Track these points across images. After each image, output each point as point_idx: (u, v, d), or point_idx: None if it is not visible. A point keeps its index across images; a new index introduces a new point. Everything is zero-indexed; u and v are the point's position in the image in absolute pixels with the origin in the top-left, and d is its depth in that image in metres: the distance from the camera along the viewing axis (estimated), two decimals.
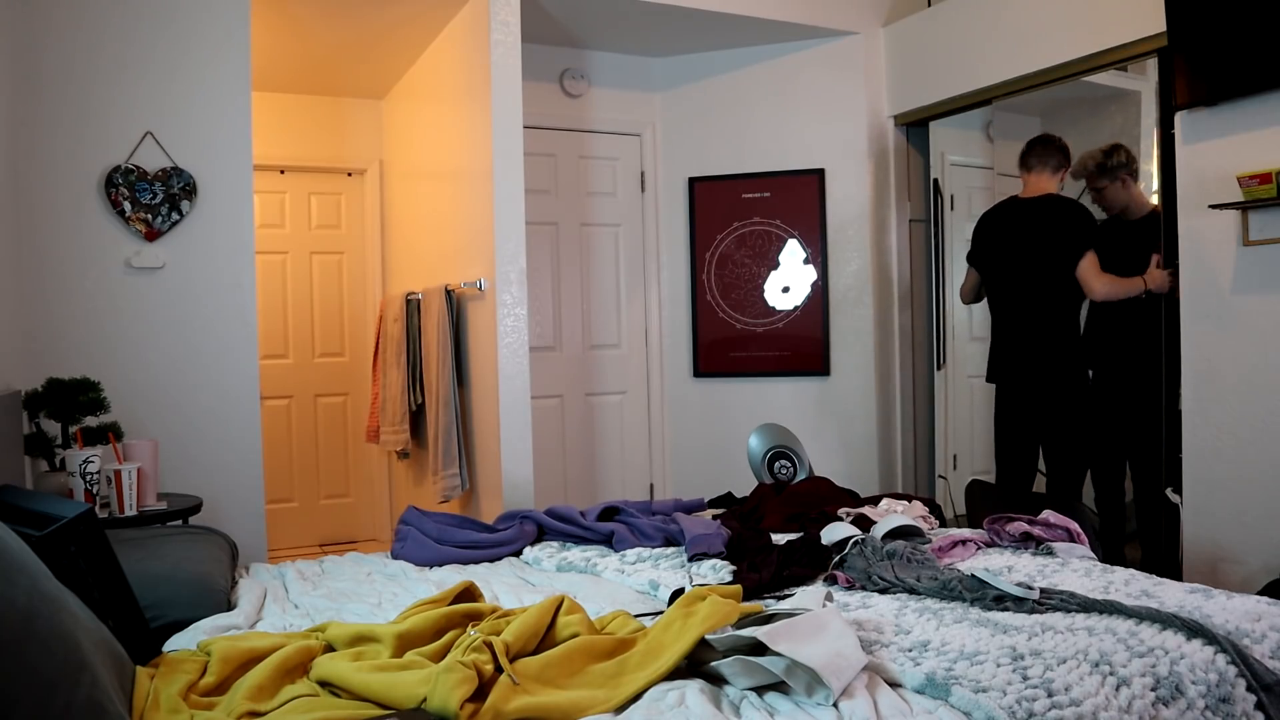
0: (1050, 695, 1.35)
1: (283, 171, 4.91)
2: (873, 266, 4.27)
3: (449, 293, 3.80)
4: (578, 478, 4.41)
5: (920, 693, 1.39)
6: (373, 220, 5.03)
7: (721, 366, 4.49)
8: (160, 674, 1.48)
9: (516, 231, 3.52)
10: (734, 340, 4.47)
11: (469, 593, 1.80)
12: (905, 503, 2.65)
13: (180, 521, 2.74)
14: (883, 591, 1.93)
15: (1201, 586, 1.87)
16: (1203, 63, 2.87)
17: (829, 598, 1.72)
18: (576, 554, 2.38)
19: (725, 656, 1.45)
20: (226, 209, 3.16)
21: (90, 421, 2.74)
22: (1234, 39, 2.80)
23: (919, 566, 1.98)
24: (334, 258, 5.06)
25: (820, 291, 4.33)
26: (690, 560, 2.19)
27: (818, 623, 1.48)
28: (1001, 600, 1.77)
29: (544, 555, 2.41)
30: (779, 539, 2.36)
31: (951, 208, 4.34)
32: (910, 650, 1.53)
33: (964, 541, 2.25)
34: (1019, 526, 2.29)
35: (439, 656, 1.50)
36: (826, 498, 2.76)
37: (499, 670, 1.41)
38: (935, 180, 4.32)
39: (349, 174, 5.05)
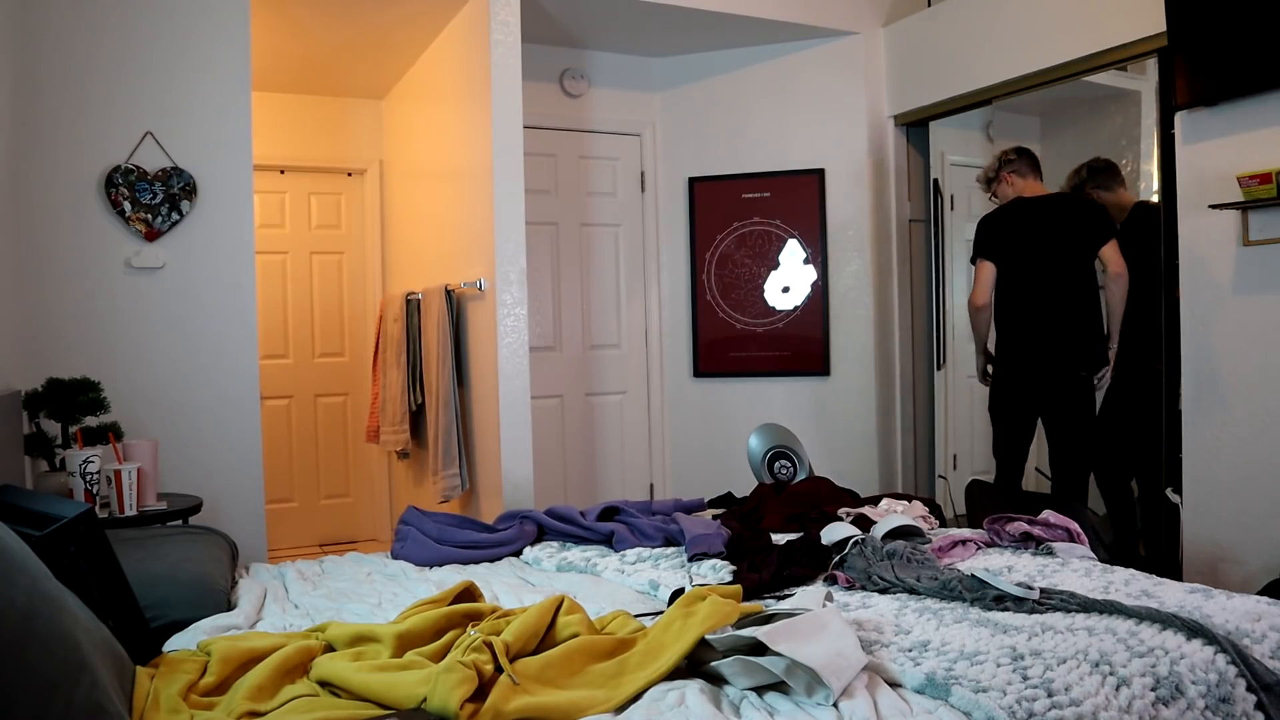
0: (1050, 695, 1.35)
1: (283, 171, 4.91)
2: (873, 266, 4.27)
3: (449, 293, 3.80)
4: (578, 478, 4.41)
5: (920, 693, 1.39)
6: (373, 220, 5.03)
7: (721, 366, 4.49)
8: (160, 674, 1.48)
9: (516, 231, 3.52)
10: (734, 340, 4.47)
11: (469, 593, 1.80)
12: (905, 503, 2.65)
13: (180, 521, 2.74)
14: (883, 591, 1.93)
15: (1201, 586, 1.87)
16: (1203, 63, 2.87)
17: (829, 598, 1.72)
18: (576, 554, 2.38)
19: (725, 656, 1.45)
20: (226, 209, 3.16)
21: (90, 421, 2.74)
22: (1234, 39, 2.80)
23: (919, 566, 1.98)
24: (334, 258, 5.06)
25: (820, 291, 4.33)
26: (690, 560, 2.19)
27: (818, 623, 1.48)
28: (1001, 600, 1.77)
29: (544, 555, 2.41)
30: (779, 539, 2.36)
31: (951, 208, 4.34)
32: (910, 650, 1.53)
33: (964, 541, 2.25)
34: (1019, 526, 2.29)
35: (439, 656, 1.50)
36: (826, 498, 2.76)
37: (499, 670, 1.41)
38: (935, 180, 4.32)
39: (349, 174, 5.05)
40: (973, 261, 3.57)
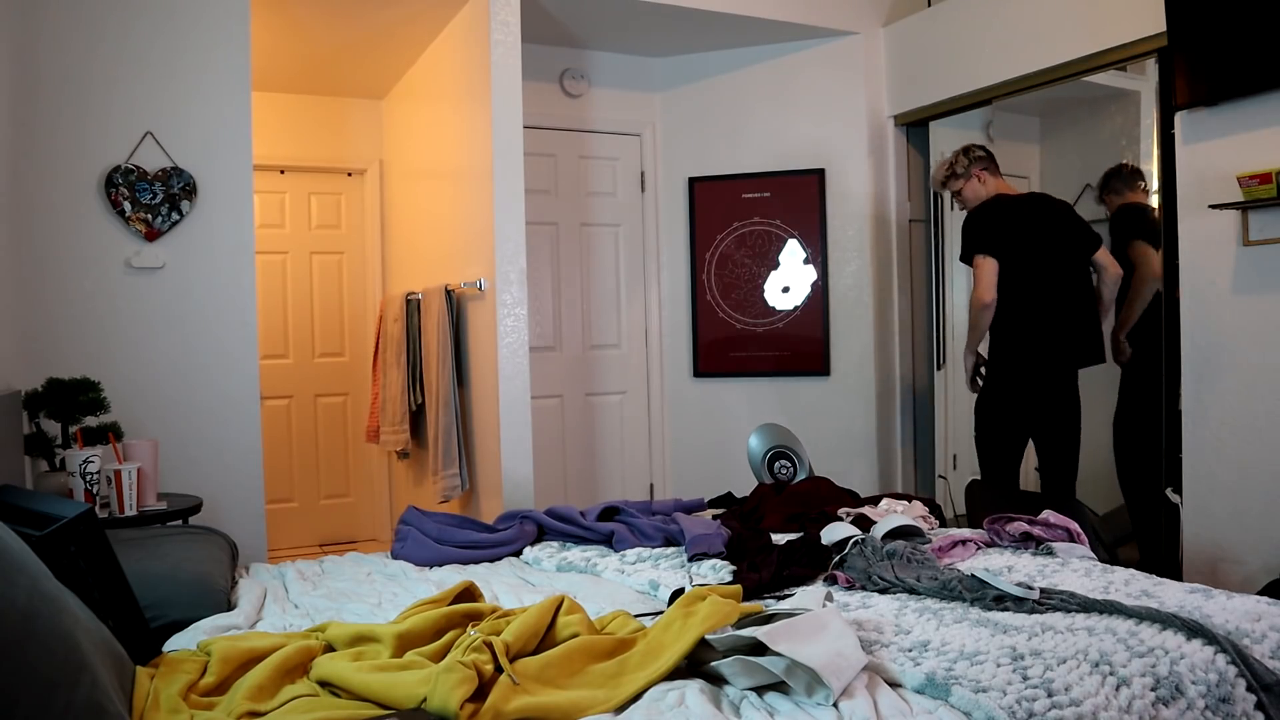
0: (1050, 695, 1.35)
1: (283, 171, 4.91)
2: (873, 266, 4.27)
3: (449, 293, 3.80)
4: (578, 478, 4.41)
5: (920, 693, 1.39)
6: (373, 220, 5.03)
7: (721, 366, 4.49)
8: (160, 674, 1.48)
9: (516, 231, 3.52)
10: (734, 340, 4.46)
11: (469, 593, 1.80)
12: (905, 503, 2.65)
13: (180, 521, 2.74)
14: (883, 591, 1.93)
15: (1201, 586, 1.87)
16: (1203, 63, 2.87)
17: (829, 598, 1.72)
18: (576, 554, 2.38)
19: (725, 656, 1.45)
20: (226, 209, 3.16)
21: (90, 421, 2.74)
22: (1234, 39, 2.80)
23: (919, 566, 1.98)
24: (334, 258, 5.06)
25: (820, 291, 4.33)
26: (690, 560, 2.19)
27: (818, 623, 1.48)
28: (1001, 600, 1.77)
29: (544, 555, 2.41)
30: (779, 539, 2.36)
31: (951, 208, 4.34)
32: (910, 650, 1.53)
33: (964, 541, 2.25)
34: (1019, 526, 2.29)
35: (439, 656, 1.50)
36: (826, 498, 2.76)
37: (499, 670, 1.41)
38: None
39: (349, 174, 5.05)
40: (965, 260, 3.49)
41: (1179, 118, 3.02)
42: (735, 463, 4.05)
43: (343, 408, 5.08)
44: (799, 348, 4.37)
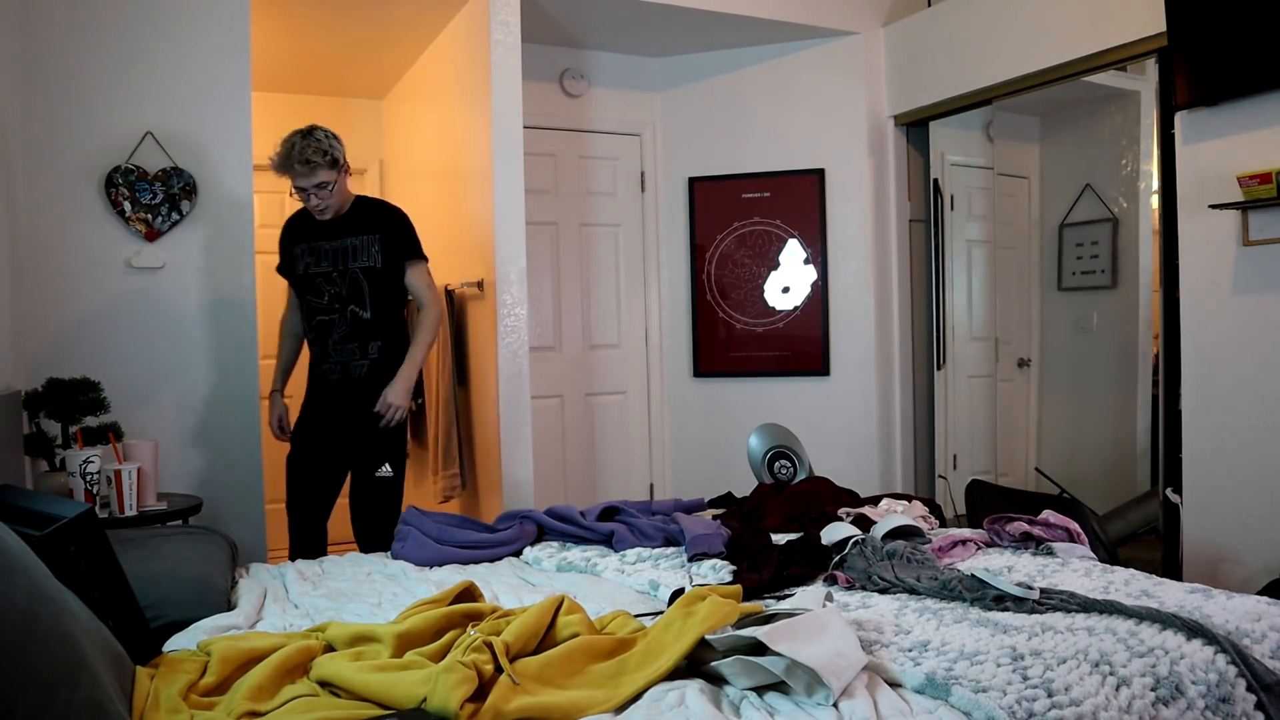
0: (1050, 695, 1.34)
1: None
2: (873, 266, 4.27)
3: (449, 293, 3.80)
4: (578, 478, 4.41)
5: (920, 693, 1.39)
6: None
7: (721, 366, 4.49)
8: (160, 674, 1.48)
9: (516, 231, 3.52)
10: (734, 340, 4.47)
11: (469, 593, 1.79)
12: (905, 503, 2.65)
13: (180, 521, 2.74)
14: (883, 591, 1.93)
15: (1201, 586, 1.87)
16: (1203, 63, 2.87)
17: (829, 598, 1.72)
18: (576, 554, 2.38)
19: (725, 656, 1.45)
20: (226, 209, 3.16)
21: (90, 421, 2.74)
22: (1234, 39, 2.80)
23: (919, 566, 1.98)
24: None
25: (820, 291, 4.33)
26: (690, 560, 2.19)
27: (818, 623, 1.48)
28: (1001, 600, 1.77)
29: (544, 555, 2.40)
30: (779, 539, 2.36)
31: (952, 208, 4.35)
32: (910, 650, 1.53)
33: (964, 541, 2.25)
34: (1019, 526, 2.29)
35: (439, 656, 1.50)
36: (826, 498, 2.76)
37: (499, 670, 1.41)
38: (935, 180, 4.33)
39: (350, 174, 5.04)
40: (419, 256, 3.14)
41: (1179, 118, 3.02)
42: (735, 463, 4.05)
43: None
44: (799, 348, 4.37)
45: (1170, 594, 1.81)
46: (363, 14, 3.81)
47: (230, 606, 1.96)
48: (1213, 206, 2.91)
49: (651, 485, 4.59)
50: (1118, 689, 1.40)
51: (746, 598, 1.85)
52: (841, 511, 2.53)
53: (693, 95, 4.53)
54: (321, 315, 3.03)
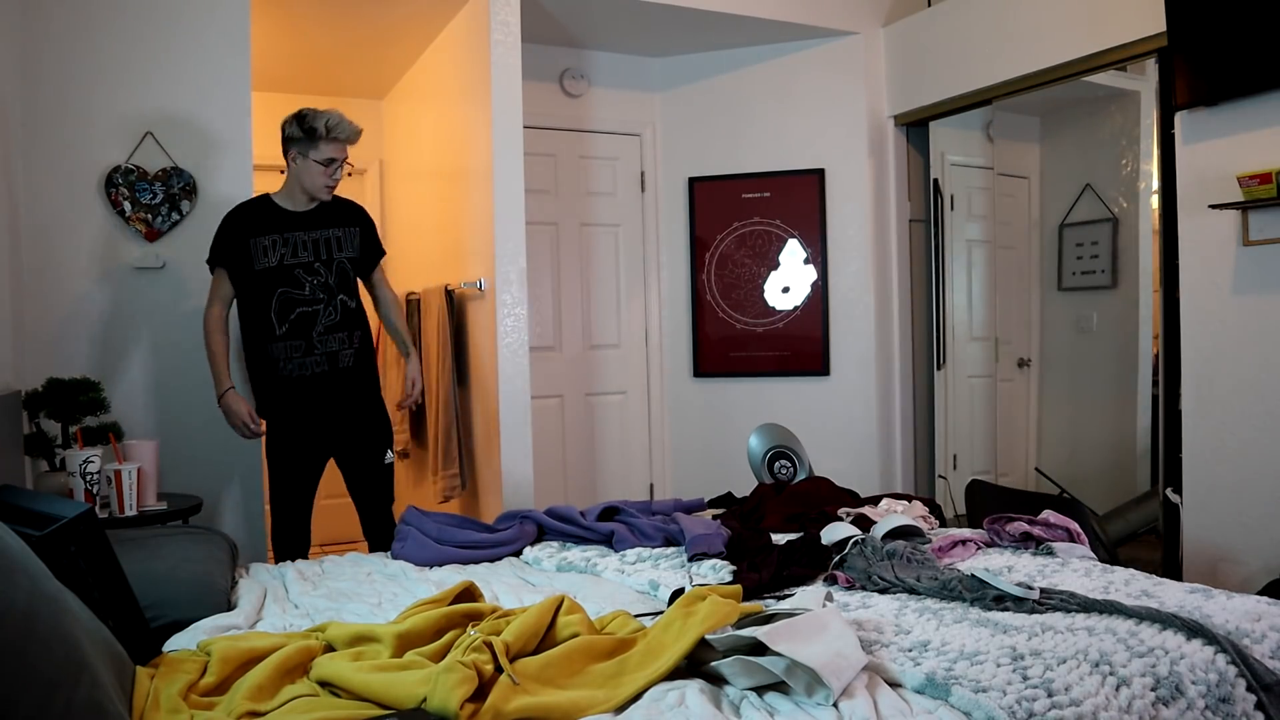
0: (1050, 695, 1.35)
1: (283, 172, 4.90)
2: (873, 266, 4.27)
3: (449, 293, 3.80)
4: (578, 478, 4.41)
5: (920, 693, 1.39)
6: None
7: (721, 366, 4.49)
8: (160, 674, 1.48)
9: (516, 231, 3.52)
10: (734, 340, 4.47)
11: (469, 593, 1.79)
12: (905, 503, 2.65)
13: (180, 521, 2.74)
14: (883, 591, 1.93)
15: (1201, 586, 1.87)
16: (1203, 63, 2.87)
17: (829, 598, 1.72)
18: (576, 554, 2.38)
19: (725, 656, 1.45)
20: (226, 209, 3.15)
21: (90, 421, 2.74)
22: (1234, 39, 2.80)
23: (919, 566, 1.98)
24: None
25: (820, 291, 4.33)
26: (690, 560, 2.19)
27: (818, 623, 1.48)
28: (1001, 600, 1.77)
29: (544, 555, 2.40)
30: (779, 539, 2.36)
31: (952, 208, 4.35)
32: (910, 650, 1.53)
33: (964, 541, 2.25)
34: (1019, 526, 2.29)
35: (439, 656, 1.50)
36: (826, 498, 2.76)
37: (499, 670, 1.41)
38: (935, 180, 4.33)
39: (349, 174, 5.03)
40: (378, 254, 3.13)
41: (1179, 118, 3.02)
42: (735, 463, 4.05)
43: None
44: (799, 348, 4.37)
45: (1170, 594, 1.81)
46: (363, 14, 3.81)
47: (230, 606, 1.96)
48: (1213, 206, 2.91)
49: (651, 485, 4.59)
50: (1118, 689, 1.40)
51: (746, 598, 1.85)
52: (841, 511, 2.53)
53: (693, 95, 4.53)
54: (304, 306, 2.92)
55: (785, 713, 1.34)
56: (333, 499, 5.08)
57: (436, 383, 3.84)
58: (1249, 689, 1.50)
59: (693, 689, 1.39)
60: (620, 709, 1.36)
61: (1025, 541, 2.27)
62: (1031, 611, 1.72)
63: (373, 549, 3.09)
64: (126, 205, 3.02)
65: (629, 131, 4.53)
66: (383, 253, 3.17)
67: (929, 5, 4.17)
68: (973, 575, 1.85)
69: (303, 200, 2.99)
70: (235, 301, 2.93)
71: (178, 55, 3.09)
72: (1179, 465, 3.12)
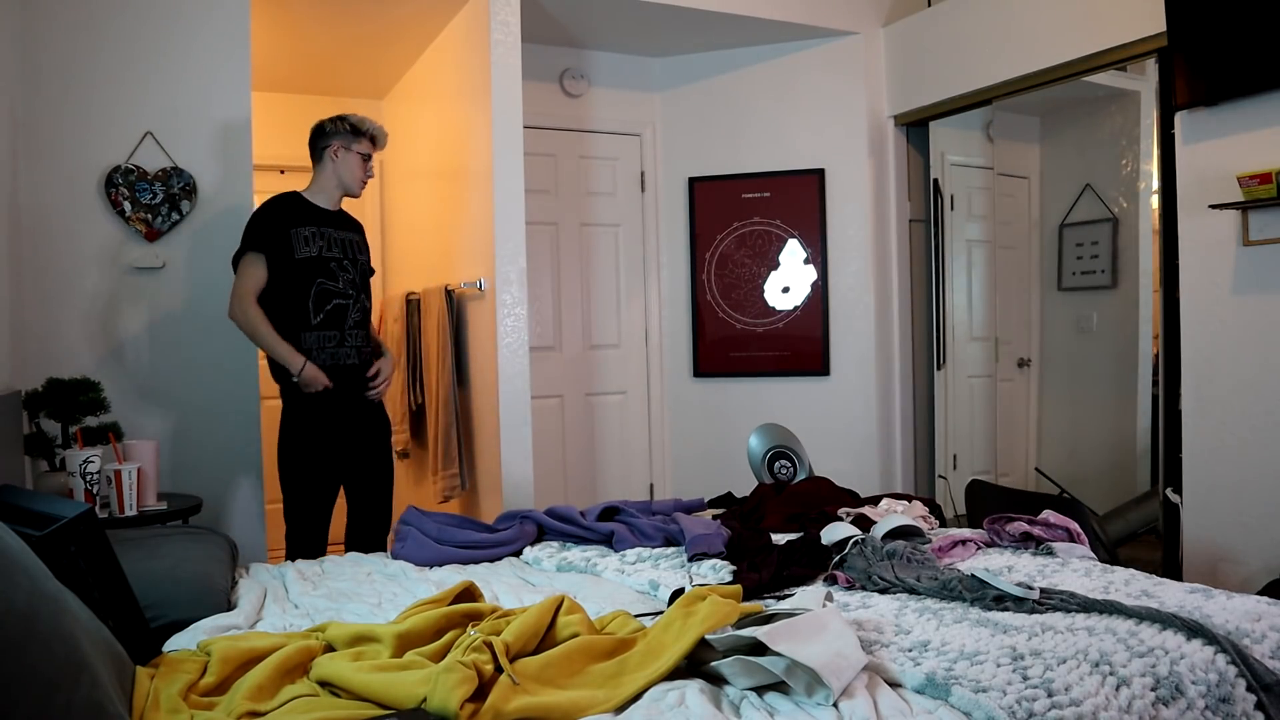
0: (1050, 695, 1.34)
1: (283, 171, 4.91)
2: (873, 266, 4.27)
3: (449, 293, 3.80)
4: (578, 478, 4.41)
5: (920, 693, 1.39)
6: (372, 220, 5.02)
7: (721, 366, 4.49)
8: (160, 674, 1.48)
9: (516, 231, 3.52)
10: (734, 340, 4.47)
11: (469, 593, 1.79)
12: (905, 503, 2.65)
13: (180, 521, 2.74)
14: (883, 591, 1.93)
15: (1201, 586, 1.87)
16: (1203, 63, 2.87)
17: (829, 598, 1.72)
18: (576, 554, 2.38)
19: (725, 656, 1.45)
20: (226, 209, 3.16)
21: (90, 421, 2.74)
22: (1234, 39, 2.80)
23: (919, 566, 1.98)
24: None
25: (820, 291, 4.33)
26: (690, 560, 2.19)
27: (818, 623, 1.48)
28: (1001, 600, 1.76)
29: (544, 555, 2.40)
30: (779, 539, 2.36)
31: (952, 208, 4.35)
32: (910, 650, 1.53)
33: (964, 541, 2.25)
34: (1019, 526, 2.29)
35: (439, 656, 1.50)
36: (826, 498, 2.76)
37: (499, 670, 1.41)
38: (935, 180, 4.33)
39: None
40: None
41: (1179, 118, 3.02)
42: (735, 463, 4.05)
43: None
44: (799, 348, 4.37)
45: (1170, 594, 1.81)
46: (363, 14, 3.81)
47: (230, 606, 1.96)
48: (1213, 206, 2.91)
49: (651, 485, 4.59)
50: (1118, 689, 1.40)
51: (746, 598, 1.85)
52: (841, 511, 2.53)
53: (693, 95, 4.53)
54: (338, 299, 2.98)
55: (785, 713, 1.34)
56: None
57: (436, 383, 3.84)
58: (1249, 689, 1.50)
59: (693, 689, 1.39)
60: (620, 709, 1.36)
61: (1025, 541, 2.27)
62: (1031, 611, 1.72)
63: (368, 545, 3.08)
64: (126, 205, 3.02)
65: (629, 131, 4.53)
66: (374, 270, 3.26)
67: (929, 5, 4.18)
68: (973, 575, 1.85)
69: (334, 198, 3.06)
70: (262, 290, 2.92)
71: (178, 55, 3.09)
72: (1179, 465, 3.12)
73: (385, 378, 3.11)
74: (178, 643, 1.68)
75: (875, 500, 2.73)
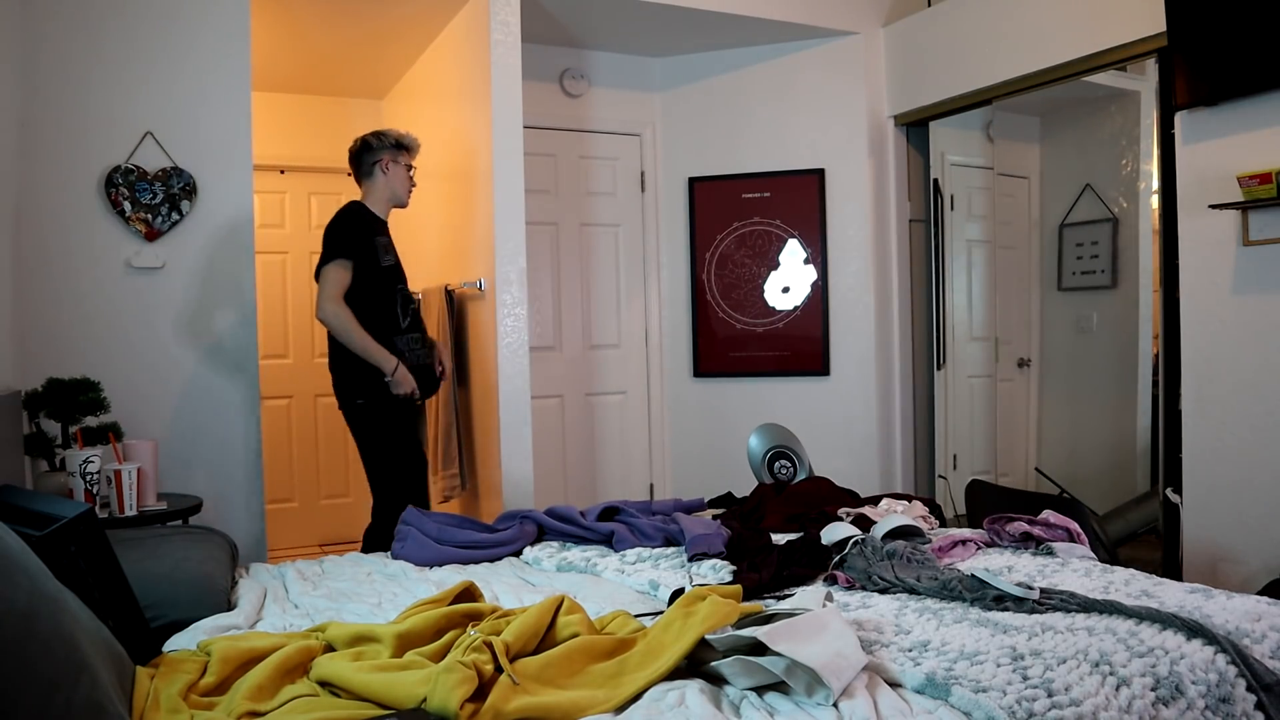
0: (1050, 695, 1.35)
1: (283, 171, 4.91)
2: (873, 266, 4.27)
3: (449, 293, 3.80)
4: (578, 478, 4.41)
5: (920, 693, 1.39)
6: None
7: (721, 366, 4.49)
8: (160, 674, 1.48)
9: (516, 231, 3.52)
10: (734, 340, 4.47)
11: (469, 593, 1.80)
12: (905, 503, 2.65)
13: (180, 521, 2.74)
14: (883, 591, 1.93)
15: (1201, 586, 1.87)
16: (1203, 63, 2.87)
17: (829, 598, 1.72)
18: (576, 554, 2.38)
19: (725, 656, 1.45)
20: (226, 209, 3.16)
21: (90, 421, 2.74)
22: (1234, 39, 2.80)
23: (919, 566, 1.98)
24: None
25: (820, 291, 4.33)
26: (690, 560, 2.19)
27: (818, 623, 1.48)
28: (1001, 600, 1.77)
29: (544, 555, 2.41)
30: (779, 539, 2.36)
31: (952, 208, 4.35)
32: (910, 650, 1.53)
33: (964, 541, 2.25)
34: (1019, 526, 2.29)
35: (439, 656, 1.50)
36: (826, 498, 2.76)
37: (499, 670, 1.41)
38: (935, 180, 4.33)
39: (349, 174, 5.03)
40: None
41: (1179, 118, 3.02)
42: (735, 463, 4.05)
43: None
44: (799, 348, 4.37)
45: (1170, 594, 1.81)
46: (363, 14, 3.81)
47: (230, 606, 1.96)
48: (1213, 206, 2.91)
49: (651, 485, 4.59)
50: (1118, 689, 1.40)
51: (746, 598, 1.85)
52: (841, 511, 2.53)
53: (693, 95, 4.53)
54: (413, 304, 3.23)
55: (785, 713, 1.34)
56: (333, 499, 5.10)
57: None
58: (1249, 689, 1.50)
59: (693, 689, 1.39)
60: (620, 709, 1.36)
61: (1025, 541, 2.27)
62: (1031, 611, 1.72)
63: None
64: (126, 205, 3.02)
65: (629, 131, 4.53)
66: None
67: (929, 5, 4.18)
68: (973, 575, 1.85)
69: (386, 209, 3.25)
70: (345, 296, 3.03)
71: (177, 55, 3.09)
72: (1179, 465, 3.12)
73: (447, 370, 3.39)
74: (178, 643, 1.68)
75: (875, 500, 2.73)
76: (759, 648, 1.43)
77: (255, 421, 3.20)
